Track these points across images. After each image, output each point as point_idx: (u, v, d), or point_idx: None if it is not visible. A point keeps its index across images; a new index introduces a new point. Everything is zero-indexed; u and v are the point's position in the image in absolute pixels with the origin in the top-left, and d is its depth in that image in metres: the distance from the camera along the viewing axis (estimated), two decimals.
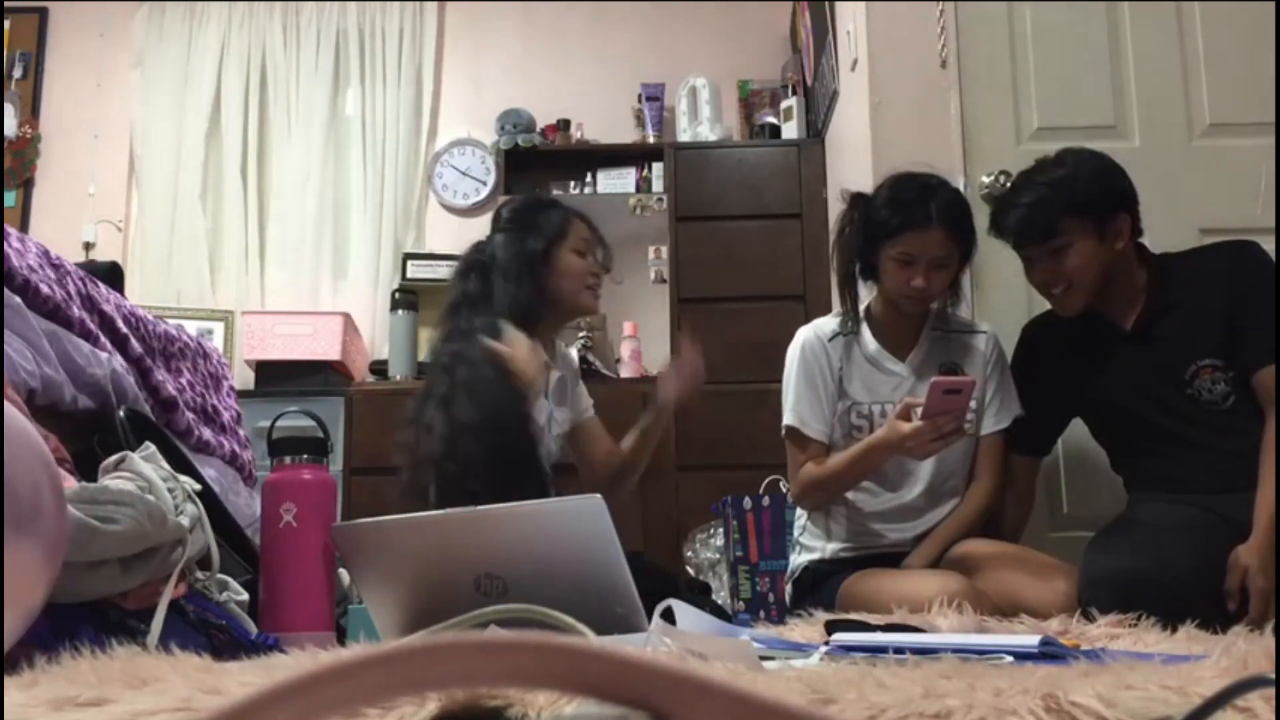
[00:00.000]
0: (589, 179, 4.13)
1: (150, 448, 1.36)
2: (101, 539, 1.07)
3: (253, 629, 1.32)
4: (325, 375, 3.72)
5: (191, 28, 4.34)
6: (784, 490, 2.67)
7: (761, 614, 2.59)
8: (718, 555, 2.95)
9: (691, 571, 2.99)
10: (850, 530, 2.13)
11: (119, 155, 4.30)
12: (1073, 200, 1.95)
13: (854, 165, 3.13)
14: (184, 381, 2.08)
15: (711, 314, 3.70)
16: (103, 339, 1.75)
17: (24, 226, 4.13)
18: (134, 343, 1.87)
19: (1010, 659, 1.00)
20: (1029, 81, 2.66)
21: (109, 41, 4.36)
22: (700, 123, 4.06)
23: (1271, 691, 0.56)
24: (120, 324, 1.84)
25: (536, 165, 4.12)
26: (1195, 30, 2.64)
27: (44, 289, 1.59)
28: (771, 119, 4.06)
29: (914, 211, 2.02)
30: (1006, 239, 2.06)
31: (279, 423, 1.50)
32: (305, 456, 1.40)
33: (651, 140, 4.13)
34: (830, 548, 2.15)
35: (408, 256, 4.08)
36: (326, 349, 3.72)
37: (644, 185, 4.04)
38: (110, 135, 4.29)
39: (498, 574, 1.14)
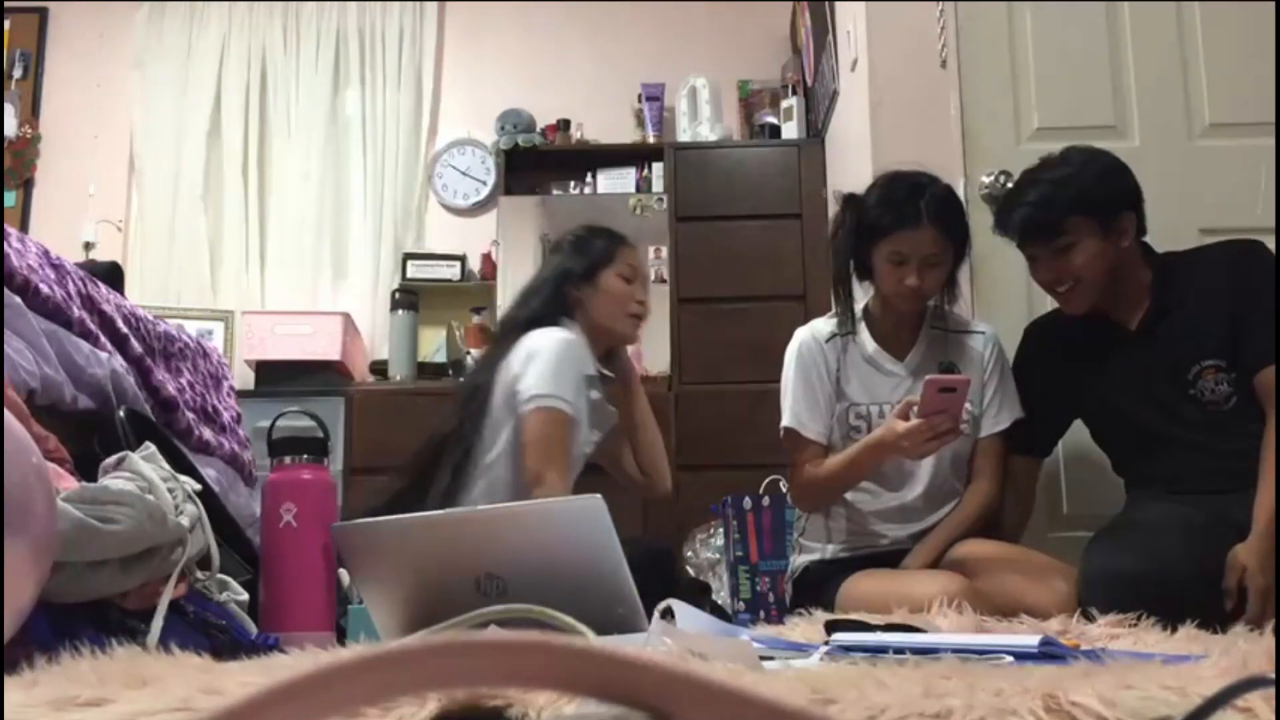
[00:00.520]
0: (589, 179, 4.13)
1: (150, 448, 1.35)
2: (101, 539, 1.07)
3: (253, 629, 1.32)
4: (325, 375, 3.72)
5: (192, 28, 4.34)
6: (784, 490, 2.67)
7: (761, 614, 2.59)
8: (718, 555, 2.95)
9: (691, 571, 2.99)
10: (850, 530, 2.13)
11: (119, 155, 4.30)
12: (1078, 198, 1.95)
13: (854, 165, 3.13)
14: (184, 381, 2.08)
15: (711, 314, 3.71)
16: (103, 339, 1.75)
17: (24, 226, 4.13)
18: (134, 343, 1.87)
19: (1010, 659, 1.00)
20: (1029, 81, 2.66)
21: (109, 41, 4.36)
22: (700, 123, 4.06)
23: (1271, 691, 0.56)
24: (120, 324, 1.84)
25: (536, 165, 4.12)
26: (1195, 30, 2.64)
27: (44, 289, 1.59)
28: (771, 119, 4.06)
29: (904, 210, 2.02)
30: (1011, 237, 2.05)
31: (279, 423, 1.50)
32: (305, 456, 1.41)
33: (651, 140, 4.13)
34: (830, 548, 2.15)
35: (408, 256, 4.08)
36: (326, 349, 3.72)
37: (644, 185, 4.05)
38: (110, 135, 4.30)
39: (498, 574, 1.14)
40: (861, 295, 2.21)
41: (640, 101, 4.21)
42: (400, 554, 1.24)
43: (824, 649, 1.14)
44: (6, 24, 4.28)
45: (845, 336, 2.16)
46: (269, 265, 4.20)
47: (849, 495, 2.14)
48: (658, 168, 4.01)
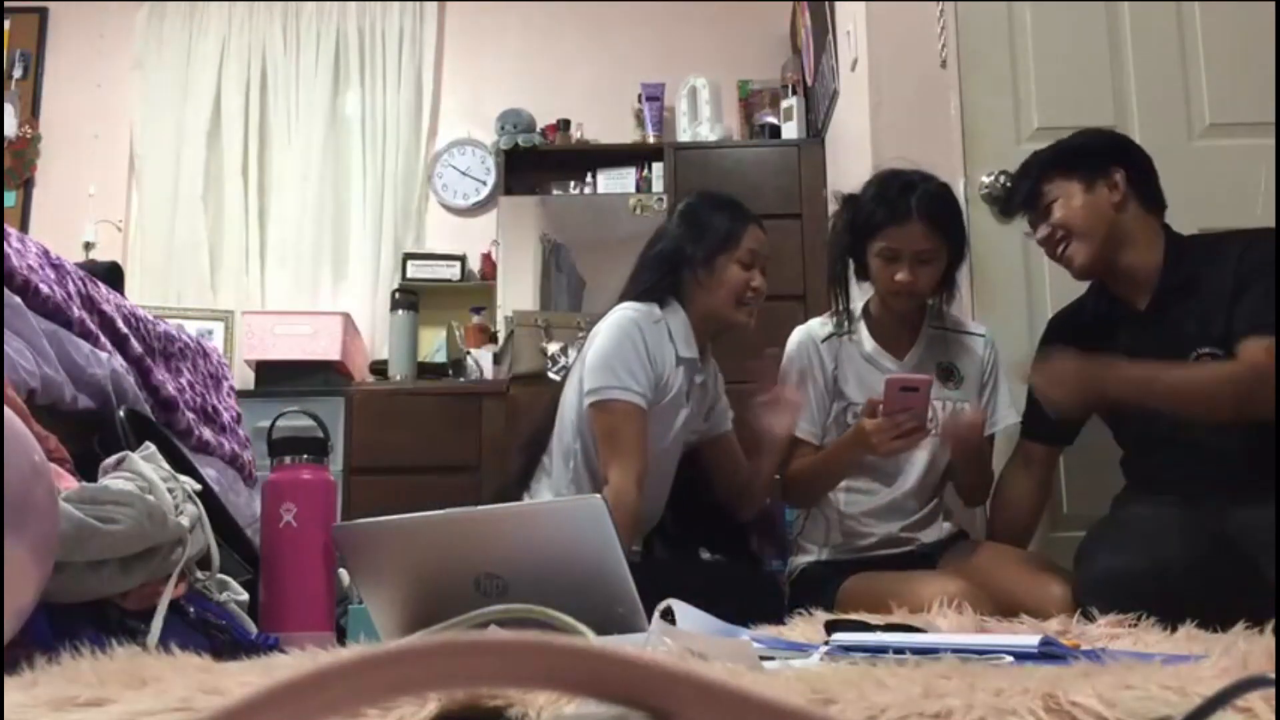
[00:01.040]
0: (589, 179, 4.13)
1: (150, 448, 1.36)
2: (101, 539, 1.07)
3: (253, 629, 1.32)
4: (325, 375, 3.72)
5: (192, 28, 4.34)
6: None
7: None
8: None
9: None
10: (844, 531, 2.14)
11: (119, 155, 4.30)
12: (1052, 159, 2.00)
13: (854, 165, 3.13)
14: (184, 381, 2.08)
15: None
16: (103, 339, 1.75)
17: (24, 226, 4.13)
18: (134, 343, 1.87)
19: (1010, 659, 1.00)
20: (1029, 81, 2.66)
21: (109, 42, 4.36)
22: (700, 123, 4.06)
23: (1271, 691, 0.56)
24: (120, 324, 1.84)
25: (536, 165, 4.12)
26: (1195, 30, 2.64)
27: (44, 289, 1.59)
28: (771, 119, 4.06)
29: (895, 206, 2.03)
30: (1012, 217, 2.10)
31: (279, 423, 1.50)
32: (305, 456, 1.40)
33: (651, 140, 4.13)
34: (826, 549, 2.15)
35: (408, 256, 4.08)
36: (326, 349, 3.72)
37: (644, 185, 4.04)
38: (110, 135, 4.30)
39: (498, 574, 1.14)
40: (861, 295, 2.21)
41: (640, 101, 4.20)
42: (400, 554, 1.24)
43: (824, 649, 1.14)
44: (6, 24, 4.28)
45: (842, 337, 2.16)
46: (269, 265, 4.20)
47: (842, 496, 2.14)
48: (658, 168, 4.01)
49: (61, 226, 4.06)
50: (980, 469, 2.13)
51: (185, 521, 1.23)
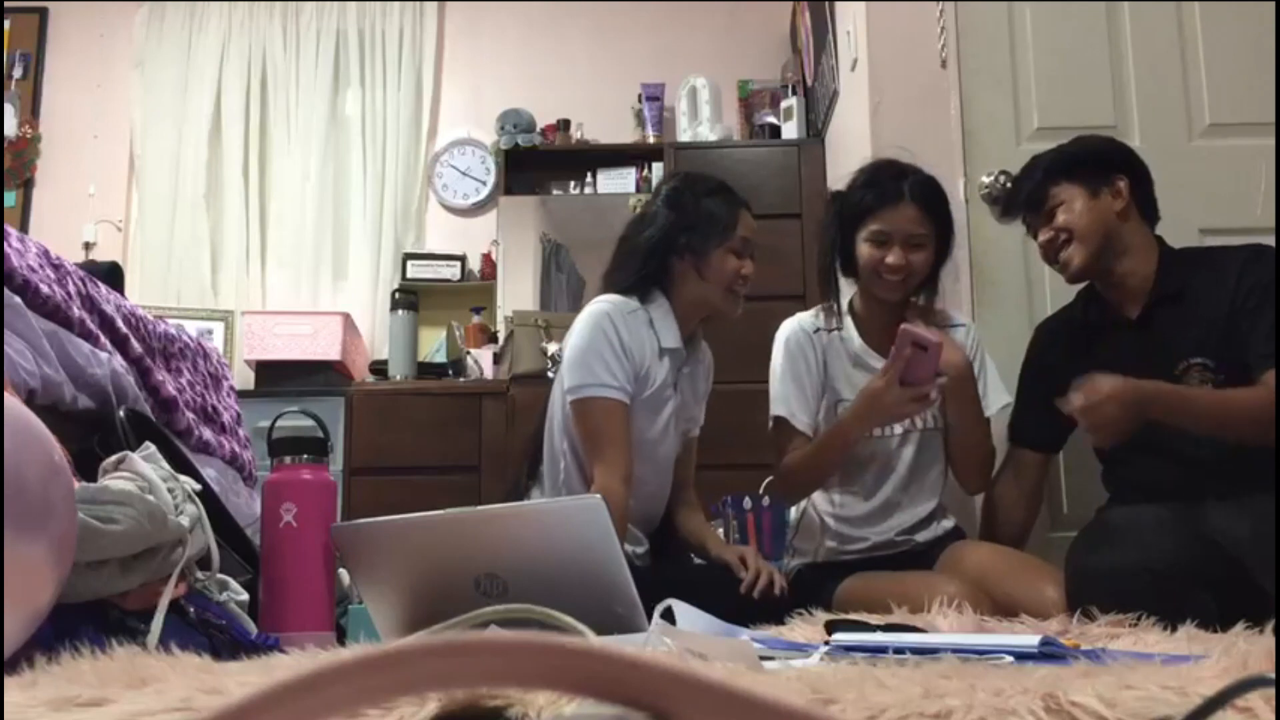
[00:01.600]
0: (589, 179, 4.13)
1: (150, 448, 1.35)
2: (101, 539, 1.07)
3: (253, 629, 1.32)
4: (325, 375, 3.72)
5: (192, 28, 4.34)
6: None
7: None
8: None
9: None
10: (834, 533, 2.14)
11: (119, 155, 4.30)
12: (1057, 162, 2.01)
13: (854, 165, 3.12)
14: (184, 381, 2.08)
15: None
16: (103, 339, 1.75)
17: (24, 226, 4.13)
18: (134, 343, 1.87)
19: (1010, 659, 1.00)
20: (1029, 81, 2.66)
21: (109, 41, 4.36)
22: (700, 123, 4.06)
23: (1271, 691, 0.56)
24: (120, 324, 1.84)
25: (537, 165, 4.12)
26: (1195, 30, 2.64)
27: (44, 289, 1.59)
28: (771, 119, 4.06)
29: (886, 189, 2.04)
30: (1011, 217, 2.10)
31: (279, 423, 1.50)
32: (305, 456, 1.40)
33: (651, 140, 4.13)
34: (820, 551, 2.15)
35: (408, 256, 4.09)
36: (326, 349, 3.72)
37: (644, 185, 4.05)
38: (110, 135, 4.30)
39: (498, 574, 1.14)
40: (846, 291, 2.21)
41: (640, 101, 4.20)
42: (400, 554, 1.24)
43: (824, 649, 1.14)
44: (6, 24, 4.28)
45: (831, 332, 2.15)
46: (269, 265, 4.20)
47: (833, 498, 2.14)
48: (658, 168, 4.01)
49: (61, 226, 4.07)
50: (976, 421, 2.09)
51: (185, 521, 1.23)
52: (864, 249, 2.06)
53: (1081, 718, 0.61)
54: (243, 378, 3.63)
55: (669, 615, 1.06)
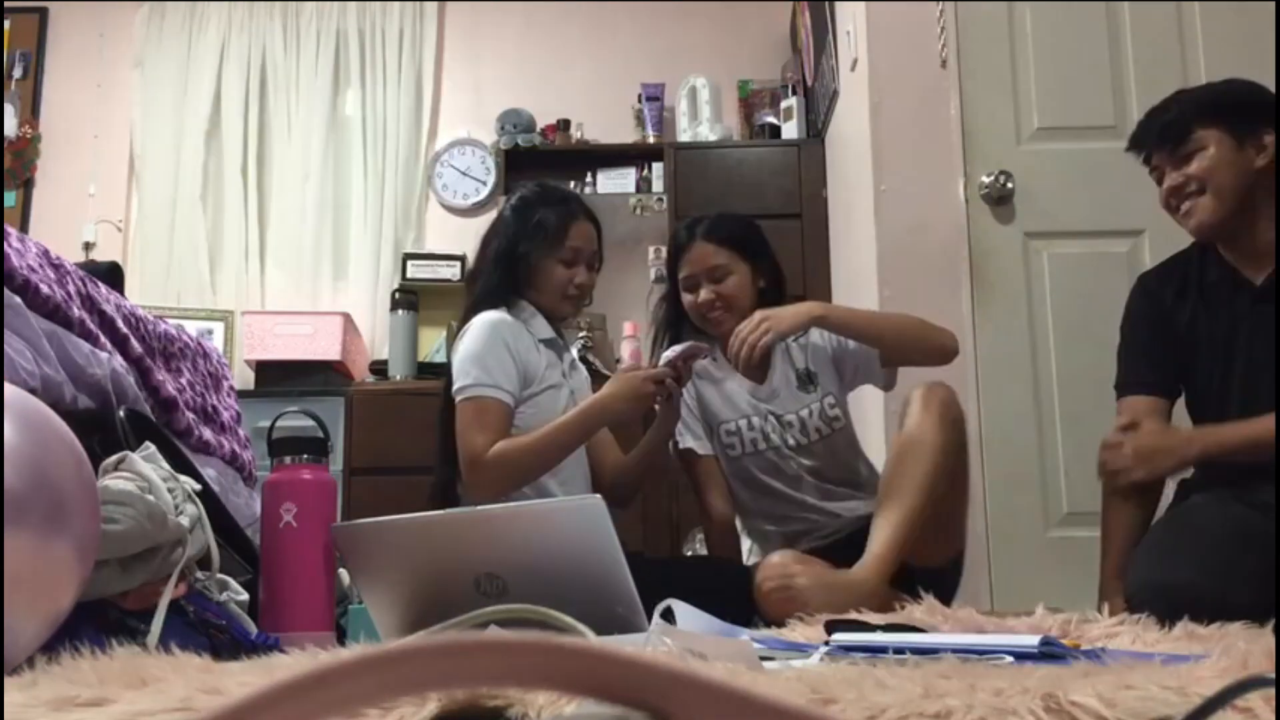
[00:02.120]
0: (589, 179, 4.13)
1: (150, 448, 1.36)
2: (101, 539, 1.07)
3: (253, 629, 1.32)
4: (325, 375, 3.72)
5: (192, 28, 4.34)
6: None
7: None
8: None
9: None
10: (768, 550, 2.13)
11: (119, 155, 4.30)
12: (1204, 102, 1.83)
13: (854, 165, 3.13)
14: (184, 381, 2.08)
15: None
16: (103, 339, 1.75)
17: (24, 226, 4.13)
18: (134, 343, 1.87)
19: (1010, 659, 1.00)
20: (1029, 81, 2.66)
21: (109, 41, 4.36)
22: (700, 123, 4.06)
23: (1271, 691, 0.56)
24: (120, 324, 1.84)
25: (536, 165, 4.11)
26: (1195, 30, 2.64)
27: (44, 289, 1.59)
28: (771, 119, 4.06)
29: (679, 237, 2.19)
30: (1139, 149, 1.90)
31: (279, 423, 1.50)
32: (305, 456, 1.40)
33: (651, 140, 4.13)
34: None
35: (408, 256, 4.08)
36: (326, 349, 3.72)
37: (644, 185, 4.05)
38: (110, 135, 4.30)
39: (498, 574, 1.14)
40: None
41: (640, 101, 4.21)
42: (400, 554, 1.24)
43: (824, 649, 1.14)
44: (6, 24, 4.28)
45: (706, 360, 2.17)
46: (269, 265, 4.20)
47: (762, 528, 2.17)
48: (658, 168, 4.01)
49: (61, 226, 4.07)
50: (875, 335, 2.06)
51: (185, 521, 1.23)
52: (685, 298, 2.17)
53: (1081, 718, 0.61)
54: (243, 378, 3.63)
55: (669, 615, 1.06)
